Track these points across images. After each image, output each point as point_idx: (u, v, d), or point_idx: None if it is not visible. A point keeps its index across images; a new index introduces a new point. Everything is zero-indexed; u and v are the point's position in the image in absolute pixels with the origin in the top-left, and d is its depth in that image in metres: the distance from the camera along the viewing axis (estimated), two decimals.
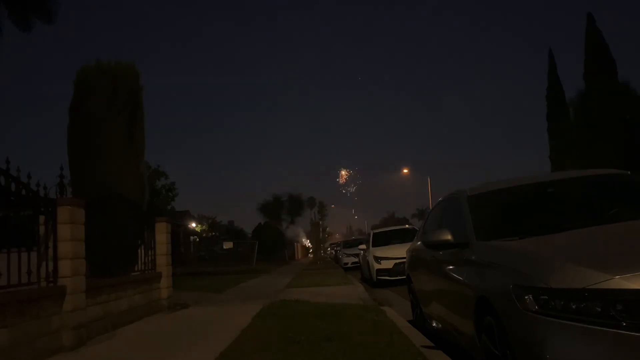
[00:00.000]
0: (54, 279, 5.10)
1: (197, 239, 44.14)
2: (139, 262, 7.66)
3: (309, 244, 64.93)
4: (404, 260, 6.63)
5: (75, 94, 7.11)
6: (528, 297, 2.45)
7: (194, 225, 49.15)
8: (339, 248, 32.10)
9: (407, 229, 16.18)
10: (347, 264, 23.81)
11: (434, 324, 4.83)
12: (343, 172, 69.31)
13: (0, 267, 4.24)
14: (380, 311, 6.62)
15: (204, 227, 53.49)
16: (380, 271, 12.75)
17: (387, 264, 12.54)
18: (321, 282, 12.82)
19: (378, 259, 12.92)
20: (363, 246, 15.39)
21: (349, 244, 27.54)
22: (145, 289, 7.72)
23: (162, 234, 8.58)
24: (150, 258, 8.16)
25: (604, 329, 2.18)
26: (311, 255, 53.34)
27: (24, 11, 13.88)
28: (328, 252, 49.17)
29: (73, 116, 7.03)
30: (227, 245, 38.45)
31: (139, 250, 7.70)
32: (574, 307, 2.28)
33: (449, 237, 3.73)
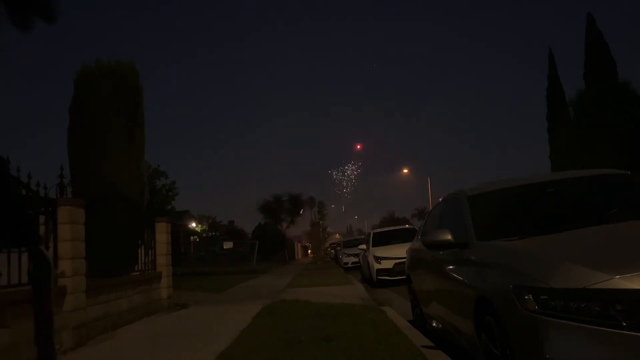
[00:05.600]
0: (54, 279, 5.10)
1: (197, 239, 44.15)
2: (139, 262, 7.66)
3: (309, 244, 64.96)
4: (404, 260, 6.63)
5: (75, 94, 7.11)
6: (528, 297, 2.45)
7: (194, 225, 49.16)
8: (339, 248, 32.10)
9: (407, 229, 16.17)
10: (347, 264, 23.80)
11: (434, 324, 4.83)
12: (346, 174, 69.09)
13: (1, 267, 4.24)
14: (380, 311, 6.62)
15: (204, 227, 53.49)
16: (380, 271, 12.75)
17: (387, 264, 12.54)
18: (321, 282, 12.81)
19: (378, 259, 12.92)
20: (363, 246, 15.39)
21: (349, 244, 27.54)
22: (145, 289, 7.72)
23: (162, 234, 8.59)
24: (150, 258, 8.16)
25: (604, 329, 2.19)
26: (311, 255, 53.34)
27: (24, 11, 13.85)
28: (328, 252, 49.16)
29: (73, 116, 7.03)
30: (227, 245, 38.39)
31: (139, 250, 7.70)
32: (573, 307, 2.28)
33: (449, 237, 3.73)
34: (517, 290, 2.54)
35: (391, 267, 12.38)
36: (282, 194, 51.05)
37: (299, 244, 64.17)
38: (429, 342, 4.52)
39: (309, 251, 57.29)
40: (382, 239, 14.52)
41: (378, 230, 17.83)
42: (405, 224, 28.84)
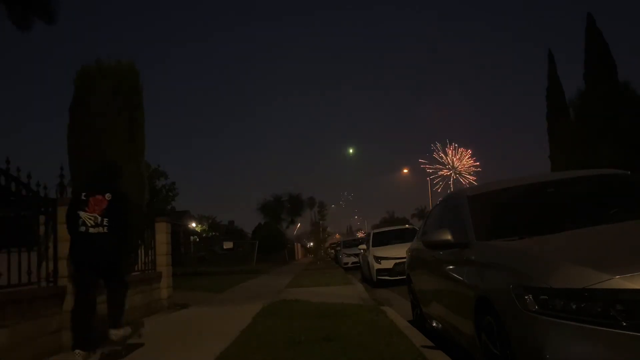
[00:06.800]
0: (54, 279, 5.10)
1: (197, 239, 44.08)
2: (139, 262, 7.66)
3: (310, 245, 65.00)
4: (404, 260, 6.63)
5: (75, 94, 7.10)
6: (528, 297, 2.45)
7: (194, 225, 49.11)
8: (339, 248, 32.08)
9: (407, 229, 16.17)
10: (347, 264, 23.79)
11: (434, 324, 4.83)
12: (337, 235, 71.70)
13: (1, 267, 4.24)
14: (380, 311, 6.61)
15: (204, 227, 53.46)
16: (380, 271, 12.74)
17: (387, 264, 12.53)
18: (321, 282, 12.82)
19: (378, 259, 12.91)
20: (363, 246, 15.38)
21: (349, 244, 27.52)
22: (146, 289, 7.72)
23: (162, 234, 8.58)
24: (150, 258, 8.16)
25: (604, 328, 2.19)
26: (311, 255, 53.37)
27: (24, 11, 13.83)
28: (328, 252, 49.20)
29: (73, 116, 7.03)
30: (227, 245, 38.37)
31: (139, 250, 7.69)
32: (574, 307, 2.28)
33: (449, 237, 3.73)
34: (517, 290, 2.54)
35: (391, 267, 12.37)
36: (282, 194, 51.02)
37: (299, 244, 64.13)
38: (429, 342, 4.52)
39: (309, 249, 57.29)
40: (382, 239, 14.51)
41: (378, 230, 17.81)
42: (405, 224, 28.81)
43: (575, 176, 4.40)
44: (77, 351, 4.44)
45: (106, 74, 7.23)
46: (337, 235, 73.87)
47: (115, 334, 4.75)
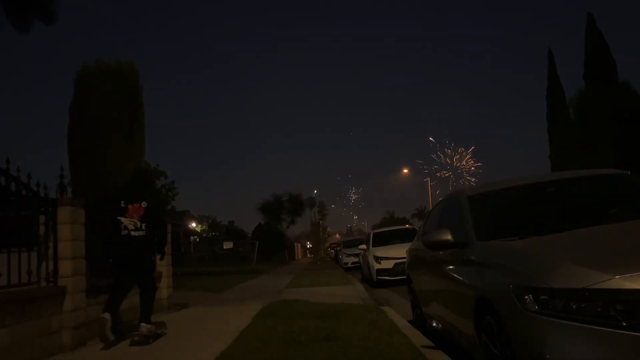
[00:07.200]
0: (54, 279, 5.10)
1: (197, 239, 44.05)
2: None
3: (309, 245, 65.01)
4: (404, 260, 6.63)
5: (75, 94, 7.11)
6: (528, 297, 2.45)
7: (194, 225, 49.07)
8: (339, 248, 32.06)
9: (407, 229, 16.16)
10: (347, 264, 23.78)
11: (434, 324, 4.83)
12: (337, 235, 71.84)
13: (1, 267, 4.24)
14: (380, 311, 6.61)
15: (204, 227, 53.40)
16: (380, 271, 12.74)
17: (387, 264, 12.53)
18: (321, 282, 12.81)
19: (378, 259, 12.91)
20: (363, 246, 15.38)
21: (349, 244, 27.50)
22: None
23: None
24: None
25: (604, 328, 2.18)
26: (311, 255, 53.38)
27: (23, 11, 13.81)
28: (328, 252, 49.21)
29: (73, 116, 7.04)
30: (227, 245, 38.37)
31: None
32: (574, 307, 2.28)
33: (449, 237, 3.73)
34: (517, 290, 2.53)
35: (391, 267, 12.37)
36: (282, 194, 50.94)
37: (299, 244, 64.11)
38: (429, 342, 4.52)
39: (309, 249, 57.24)
40: (382, 239, 14.51)
41: (378, 230, 17.81)
42: (405, 224, 28.79)
43: (575, 176, 4.39)
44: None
45: (106, 74, 7.24)
46: (337, 235, 73.87)
47: (145, 326, 5.33)
